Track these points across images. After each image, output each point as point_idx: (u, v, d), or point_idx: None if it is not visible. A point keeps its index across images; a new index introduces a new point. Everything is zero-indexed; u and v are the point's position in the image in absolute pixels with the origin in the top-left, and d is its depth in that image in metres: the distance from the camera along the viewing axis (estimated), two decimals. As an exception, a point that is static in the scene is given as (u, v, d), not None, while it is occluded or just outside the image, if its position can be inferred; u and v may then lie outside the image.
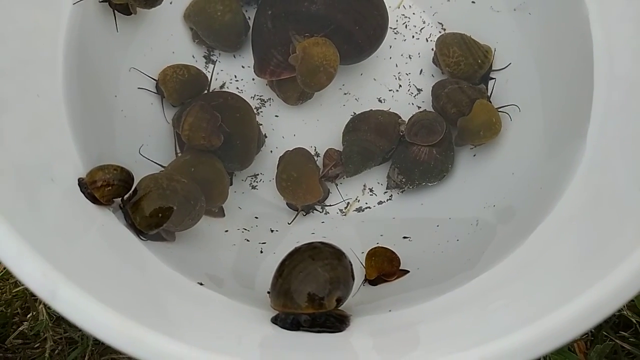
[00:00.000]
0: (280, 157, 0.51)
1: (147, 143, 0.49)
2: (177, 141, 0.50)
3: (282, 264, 0.38)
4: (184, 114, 0.47)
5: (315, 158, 0.54)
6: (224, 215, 0.49)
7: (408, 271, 0.44)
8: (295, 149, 0.51)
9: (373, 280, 0.43)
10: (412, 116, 0.52)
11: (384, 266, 0.43)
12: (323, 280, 0.37)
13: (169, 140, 0.50)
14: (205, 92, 0.52)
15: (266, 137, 0.54)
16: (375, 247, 0.44)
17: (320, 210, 0.52)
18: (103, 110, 0.47)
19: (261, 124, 0.53)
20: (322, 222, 0.51)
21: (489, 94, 0.51)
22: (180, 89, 0.51)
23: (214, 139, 0.47)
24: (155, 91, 0.51)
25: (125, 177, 0.41)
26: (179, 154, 0.49)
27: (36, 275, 0.28)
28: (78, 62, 0.44)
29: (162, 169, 0.47)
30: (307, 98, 0.54)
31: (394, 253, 0.44)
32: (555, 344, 0.27)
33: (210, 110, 0.47)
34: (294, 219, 0.50)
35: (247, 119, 0.49)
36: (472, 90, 0.50)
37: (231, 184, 0.50)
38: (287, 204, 0.51)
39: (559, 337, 0.27)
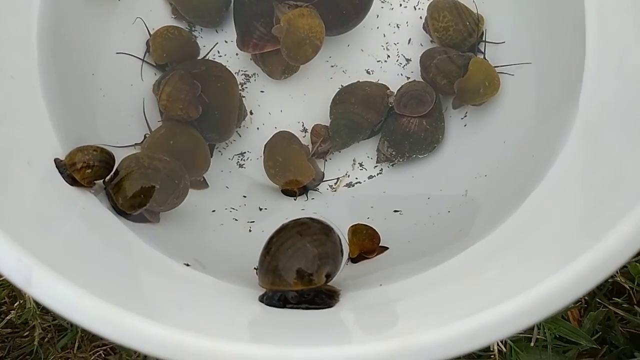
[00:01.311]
0: (265, 144, 0.50)
1: (128, 123, 0.49)
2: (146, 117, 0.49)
3: (270, 241, 0.38)
4: (163, 82, 0.46)
5: (304, 134, 0.53)
6: (207, 186, 0.49)
7: (387, 248, 0.44)
8: (276, 133, 0.51)
9: (354, 257, 0.43)
10: (400, 87, 0.51)
11: (365, 243, 0.43)
12: (312, 256, 0.36)
13: (151, 120, 0.49)
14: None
15: (252, 113, 0.54)
16: (355, 225, 0.44)
17: (325, 188, 0.52)
18: (81, 90, 0.46)
19: (244, 96, 0.53)
20: (312, 199, 0.51)
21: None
22: (167, 45, 0.50)
23: (191, 110, 0.46)
24: (135, 55, 0.50)
25: (105, 158, 0.40)
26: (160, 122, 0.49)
27: (10, 261, 0.27)
28: (53, 41, 0.43)
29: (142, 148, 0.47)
30: (292, 71, 0.53)
31: (373, 230, 0.44)
32: (549, 311, 0.27)
33: (190, 80, 0.46)
34: (296, 198, 0.50)
35: (228, 89, 0.49)
36: (461, 58, 0.49)
37: (211, 156, 0.50)
38: (282, 191, 0.51)
39: (553, 304, 0.27)
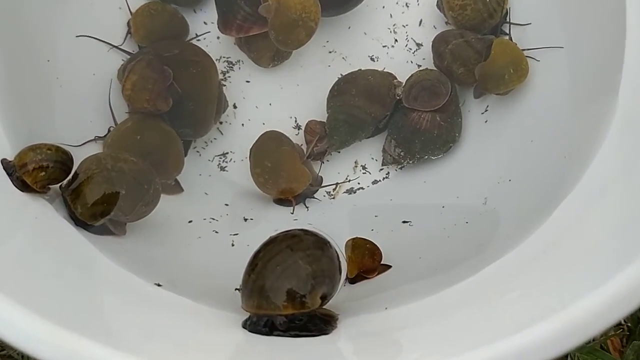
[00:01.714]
0: (250, 148, 0.50)
1: (90, 119, 0.49)
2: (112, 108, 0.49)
3: (255, 256, 0.38)
4: (129, 67, 0.46)
5: (297, 132, 0.53)
6: (181, 190, 0.49)
7: (390, 266, 0.43)
8: (262, 134, 0.51)
9: (353, 277, 0.43)
10: (410, 76, 0.51)
11: (365, 261, 0.43)
12: (304, 274, 0.36)
13: (119, 113, 0.49)
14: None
15: (236, 107, 0.54)
16: (353, 239, 0.44)
17: (322, 195, 0.52)
18: (34, 79, 0.46)
19: (224, 84, 0.53)
20: (306, 208, 0.51)
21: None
22: (150, 24, 0.50)
23: (160, 102, 0.46)
24: (99, 38, 0.50)
25: (62, 158, 0.40)
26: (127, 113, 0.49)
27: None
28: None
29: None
30: (283, 58, 0.53)
31: (374, 245, 0.44)
32: (583, 337, 0.27)
33: (160, 66, 0.46)
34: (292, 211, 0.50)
35: (205, 76, 0.49)
36: (480, 42, 0.49)
37: (185, 154, 0.50)
38: (275, 201, 0.51)
39: (588, 329, 0.27)
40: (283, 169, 0.49)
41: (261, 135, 0.50)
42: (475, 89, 0.50)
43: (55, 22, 0.48)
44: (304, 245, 0.37)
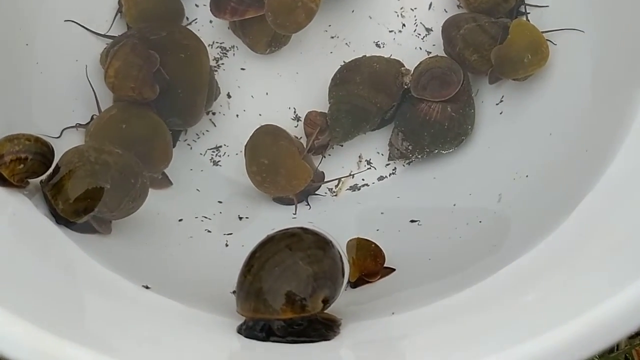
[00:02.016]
0: (245, 145, 0.51)
1: (72, 108, 0.49)
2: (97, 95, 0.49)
3: (252, 256, 0.38)
4: (112, 52, 0.46)
5: (296, 124, 0.54)
6: (170, 184, 0.49)
7: (394, 269, 0.44)
8: (257, 129, 0.51)
9: (354, 281, 0.43)
10: (419, 64, 0.51)
11: (367, 263, 0.43)
12: (305, 275, 0.36)
13: (103, 100, 0.49)
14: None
15: (230, 96, 0.54)
16: (355, 239, 0.44)
17: (324, 192, 0.52)
18: (11, 64, 0.46)
19: (216, 70, 0.53)
20: (306, 205, 0.51)
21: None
22: (142, 2, 0.50)
23: (146, 90, 0.46)
24: (82, 24, 0.51)
25: (42, 149, 0.40)
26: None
27: None
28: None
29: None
30: (281, 44, 0.53)
31: (377, 246, 0.44)
32: (605, 343, 0.27)
33: (145, 51, 0.46)
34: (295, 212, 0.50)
35: (195, 61, 0.49)
36: (495, 27, 0.50)
37: (174, 145, 0.50)
38: (274, 199, 0.51)
39: (610, 334, 0.27)
40: (281, 166, 0.49)
41: (256, 130, 0.51)
42: (490, 74, 0.50)
43: (35, 4, 0.49)
44: (305, 244, 0.37)
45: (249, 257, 0.38)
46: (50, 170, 0.41)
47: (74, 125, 0.48)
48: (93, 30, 0.51)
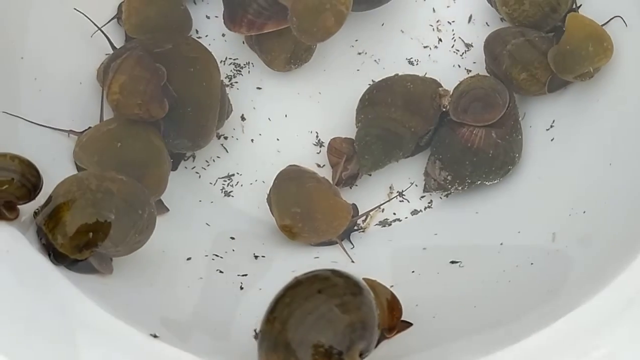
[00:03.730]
0: (267, 198, 0.50)
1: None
2: (103, 102, 0.49)
3: (278, 301, 0.37)
4: (114, 66, 0.46)
5: (318, 149, 0.54)
6: (166, 210, 0.49)
7: (411, 324, 0.43)
8: (277, 176, 0.50)
9: None
10: (459, 84, 0.52)
11: (383, 317, 0.42)
12: (342, 325, 0.36)
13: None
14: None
15: (244, 119, 0.54)
16: (369, 281, 0.42)
17: (361, 228, 0.52)
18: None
19: (228, 90, 0.53)
20: (352, 245, 0.51)
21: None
22: (146, 11, 0.51)
23: (154, 107, 0.46)
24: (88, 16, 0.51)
25: (26, 171, 0.39)
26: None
27: None
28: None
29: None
30: (302, 60, 0.54)
31: (394, 296, 0.42)
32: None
33: (152, 64, 0.46)
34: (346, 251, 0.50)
35: (205, 76, 0.49)
36: (546, 42, 0.50)
37: (175, 169, 0.50)
38: (315, 244, 0.51)
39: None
40: (317, 210, 0.49)
41: (276, 179, 0.50)
42: (550, 82, 0.50)
43: (29, 13, 0.49)
44: (338, 289, 0.37)
45: (275, 302, 0.37)
46: (45, 201, 0.40)
47: (67, 130, 0.48)
48: (98, 25, 0.52)
